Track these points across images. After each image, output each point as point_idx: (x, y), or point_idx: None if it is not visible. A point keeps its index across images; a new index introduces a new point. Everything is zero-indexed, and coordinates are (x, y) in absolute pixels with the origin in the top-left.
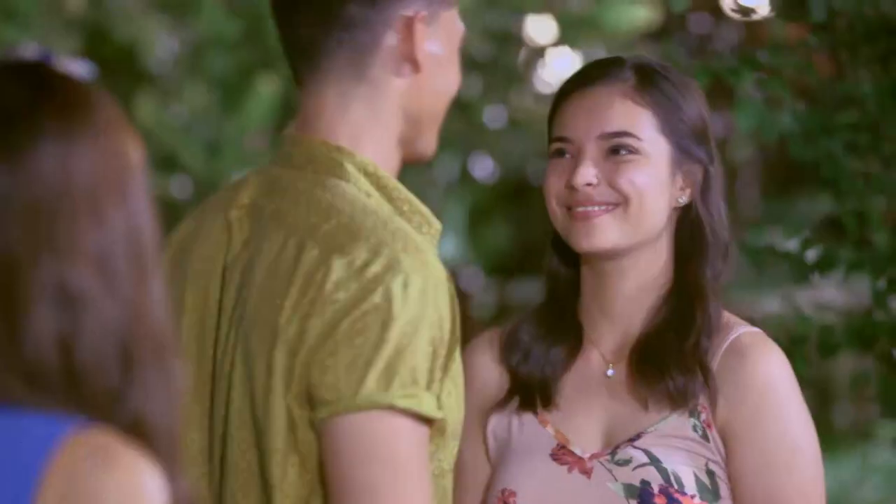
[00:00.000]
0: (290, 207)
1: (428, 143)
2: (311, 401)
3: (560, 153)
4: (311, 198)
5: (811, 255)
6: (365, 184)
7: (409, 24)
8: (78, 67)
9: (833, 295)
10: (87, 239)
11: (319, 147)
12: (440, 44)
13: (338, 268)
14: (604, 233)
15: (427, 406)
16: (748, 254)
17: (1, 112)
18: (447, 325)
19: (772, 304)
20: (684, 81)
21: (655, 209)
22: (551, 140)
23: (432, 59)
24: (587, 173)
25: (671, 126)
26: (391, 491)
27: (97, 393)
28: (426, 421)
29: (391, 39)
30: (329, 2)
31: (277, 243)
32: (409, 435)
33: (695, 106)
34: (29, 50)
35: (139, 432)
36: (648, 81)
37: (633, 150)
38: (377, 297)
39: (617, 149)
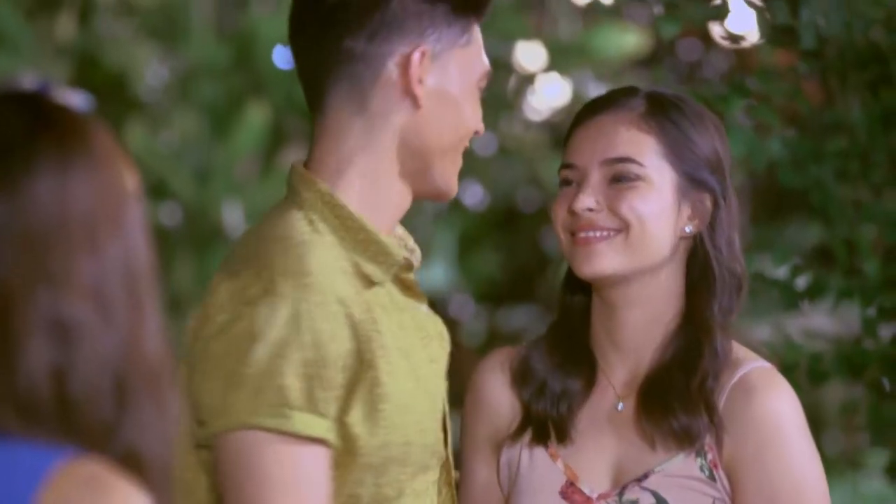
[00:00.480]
0: (246, 234)
1: (442, 179)
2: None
3: (567, 180)
4: (259, 225)
5: (801, 282)
6: (319, 212)
7: (407, 60)
8: (75, 98)
9: (823, 323)
10: (82, 269)
11: (296, 176)
12: (449, 80)
13: (223, 291)
14: (604, 258)
15: (302, 426)
16: None
17: None
18: (336, 349)
19: (761, 331)
20: (698, 113)
21: (658, 237)
22: (560, 168)
23: (436, 95)
24: (587, 199)
25: (678, 154)
26: None
27: (91, 424)
28: (310, 441)
29: (391, 74)
30: (330, 36)
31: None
32: (281, 454)
33: (707, 137)
34: (27, 80)
35: (132, 464)
36: (657, 109)
37: (635, 177)
38: (246, 320)
39: (619, 175)
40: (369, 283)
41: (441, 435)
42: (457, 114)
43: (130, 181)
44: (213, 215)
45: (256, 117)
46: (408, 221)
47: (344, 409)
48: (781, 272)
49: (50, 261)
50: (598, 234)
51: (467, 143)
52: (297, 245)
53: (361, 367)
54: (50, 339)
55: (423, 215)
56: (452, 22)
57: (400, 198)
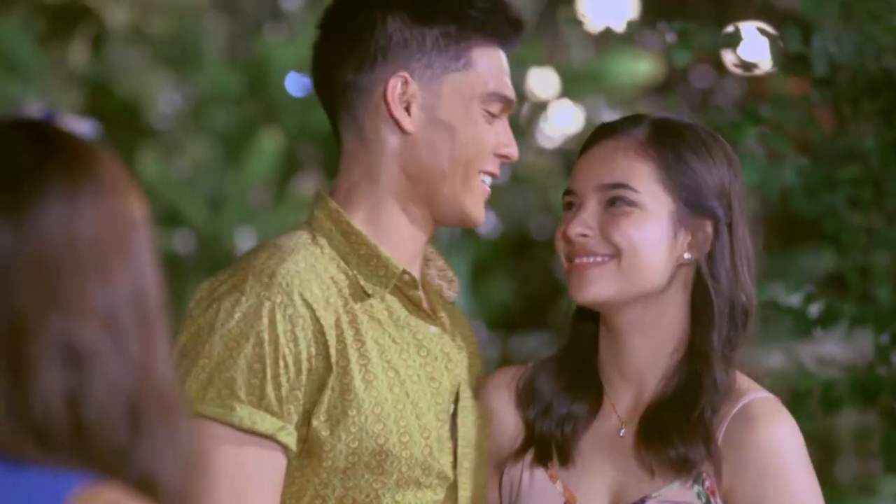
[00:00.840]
0: None
1: (456, 204)
2: None
3: (568, 205)
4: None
5: (814, 309)
6: (326, 228)
7: (390, 88)
8: (81, 126)
9: (836, 350)
10: (92, 296)
11: (315, 198)
12: (442, 105)
13: (202, 288)
14: (595, 285)
15: (247, 420)
16: None
17: (5, 171)
18: (295, 350)
19: (774, 358)
20: (704, 140)
21: (652, 263)
22: (563, 193)
23: (427, 119)
24: (578, 225)
25: (676, 181)
26: (201, 497)
27: (105, 450)
28: (255, 436)
29: (379, 102)
30: (329, 68)
31: None
32: (224, 445)
33: (712, 164)
34: (33, 108)
35: (148, 489)
36: (658, 136)
37: (629, 203)
38: (210, 314)
39: (613, 200)
40: (364, 295)
41: (442, 455)
42: (451, 138)
43: (138, 209)
44: (226, 242)
45: (269, 144)
46: None
47: (309, 410)
48: (795, 299)
49: (60, 287)
50: (591, 259)
51: (490, 168)
52: (284, 251)
53: (330, 372)
54: (63, 364)
55: (436, 242)
56: (444, 47)
57: (411, 225)
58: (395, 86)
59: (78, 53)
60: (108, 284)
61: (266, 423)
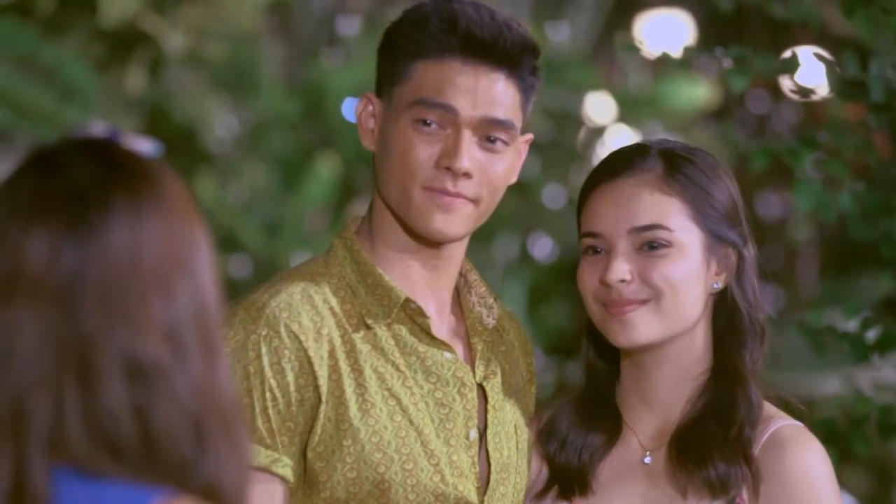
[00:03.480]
0: None
1: (407, 218)
2: None
3: (593, 249)
4: None
5: (871, 335)
6: (341, 256)
7: (357, 107)
8: (145, 145)
9: (893, 375)
10: (156, 312)
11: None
12: (389, 117)
13: None
14: (639, 328)
15: None
16: (808, 334)
17: (71, 189)
18: (283, 382)
19: (832, 384)
20: (711, 164)
21: (691, 300)
22: (582, 235)
23: (380, 134)
24: (620, 270)
25: (701, 212)
26: None
27: (172, 461)
28: (254, 469)
29: None
30: None
31: None
32: None
33: (724, 188)
34: (97, 128)
35: (212, 497)
36: (675, 168)
37: (666, 243)
38: None
39: (649, 243)
40: (365, 326)
41: (461, 481)
42: (387, 153)
43: (201, 227)
44: (283, 267)
45: (326, 169)
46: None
47: (304, 441)
48: (852, 325)
49: (124, 304)
50: (631, 304)
51: (433, 184)
52: (283, 282)
53: (324, 403)
54: (129, 379)
55: (493, 268)
56: (396, 63)
57: (404, 250)
58: (361, 104)
59: (135, 79)
60: (170, 301)
61: (260, 456)
